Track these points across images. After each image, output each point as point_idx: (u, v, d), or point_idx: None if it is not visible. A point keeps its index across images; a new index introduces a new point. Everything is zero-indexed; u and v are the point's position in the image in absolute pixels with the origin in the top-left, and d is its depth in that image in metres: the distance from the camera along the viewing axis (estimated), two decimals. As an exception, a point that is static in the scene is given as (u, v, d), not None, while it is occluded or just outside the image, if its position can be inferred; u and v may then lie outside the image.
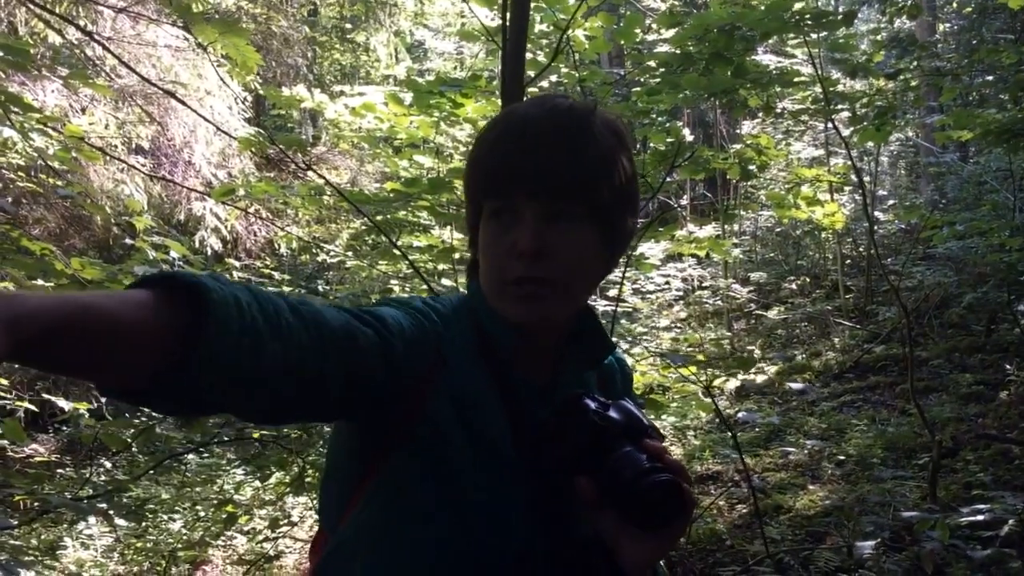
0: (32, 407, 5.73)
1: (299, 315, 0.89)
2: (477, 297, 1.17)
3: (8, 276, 2.69)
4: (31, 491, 2.89)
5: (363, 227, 6.85)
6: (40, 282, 3.03)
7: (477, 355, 1.13)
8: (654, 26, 5.52)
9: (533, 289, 1.09)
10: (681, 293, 10.63)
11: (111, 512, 3.08)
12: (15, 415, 5.99)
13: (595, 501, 1.05)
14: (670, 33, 5.69)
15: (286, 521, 5.61)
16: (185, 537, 6.20)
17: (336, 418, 1.14)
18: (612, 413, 1.08)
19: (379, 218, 4.63)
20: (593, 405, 1.08)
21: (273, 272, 5.61)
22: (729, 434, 7.16)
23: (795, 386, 7.88)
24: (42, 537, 6.40)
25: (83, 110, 7.31)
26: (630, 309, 8.44)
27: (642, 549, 1.04)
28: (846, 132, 6.60)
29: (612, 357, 1.32)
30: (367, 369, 0.98)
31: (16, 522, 2.30)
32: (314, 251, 8.01)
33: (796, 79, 5.24)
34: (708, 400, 6.30)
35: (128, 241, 8.29)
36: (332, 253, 7.49)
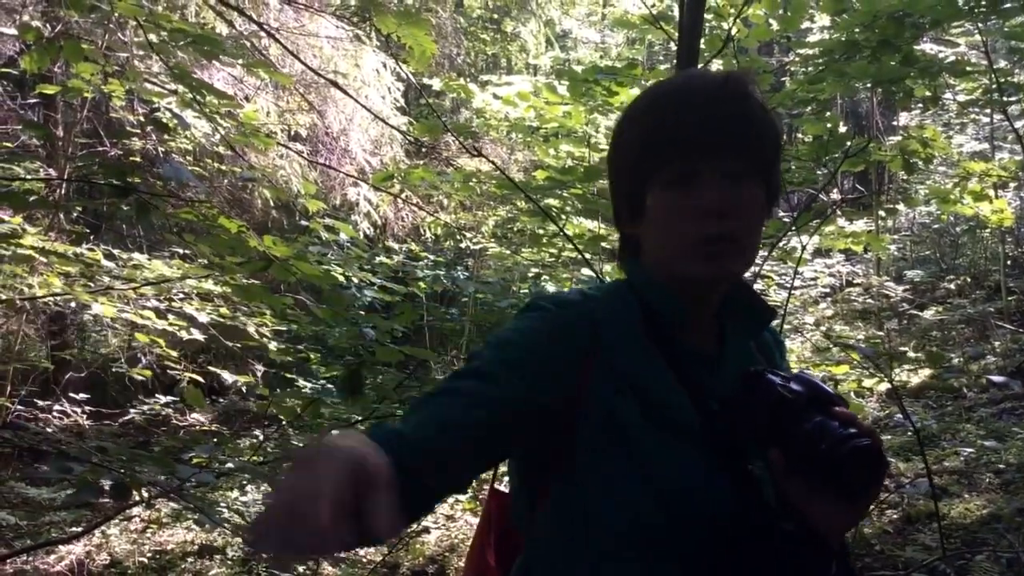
0: (198, 378, 6.11)
1: (451, 431, 1.03)
2: (638, 274, 1.19)
3: (198, 251, 2.88)
4: (212, 456, 3.08)
5: (509, 214, 6.94)
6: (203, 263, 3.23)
7: (643, 333, 1.14)
8: (811, 11, 5.36)
9: (724, 246, 1.11)
10: (828, 290, 10.28)
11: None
12: (180, 384, 6.40)
13: (787, 472, 1.06)
14: (826, 20, 5.50)
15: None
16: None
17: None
18: (795, 386, 1.08)
19: (527, 207, 4.68)
20: (777, 379, 1.08)
21: (426, 255, 5.77)
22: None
23: (996, 379, 7.51)
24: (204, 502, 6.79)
25: (247, 98, 7.69)
26: (776, 303, 8.24)
27: (837, 516, 1.06)
28: (1018, 124, 6.24)
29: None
30: (517, 425, 1.09)
31: (212, 478, 2.48)
32: (458, 237, 8.18)
33: (967, 68, 5.00)
34: (859, 400, 6.12)
35: (286, 224, 8.69)
36: (475, 240, 7.63)
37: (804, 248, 3.84)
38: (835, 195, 10.23)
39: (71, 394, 7.10)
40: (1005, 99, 5.65)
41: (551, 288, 6.52)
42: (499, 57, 12.75)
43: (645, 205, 1.15)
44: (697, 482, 1.09)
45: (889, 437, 6.91)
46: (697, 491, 1.08)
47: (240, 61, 3.81)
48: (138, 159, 7.02)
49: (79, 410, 6.89)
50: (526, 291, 6.95)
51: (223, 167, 7.39)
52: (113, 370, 7.82)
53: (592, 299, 1.16)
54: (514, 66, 12.22)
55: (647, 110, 1.17)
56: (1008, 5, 4.58)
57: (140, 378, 6.31)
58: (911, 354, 8.57)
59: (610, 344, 1.12)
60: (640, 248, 1.21)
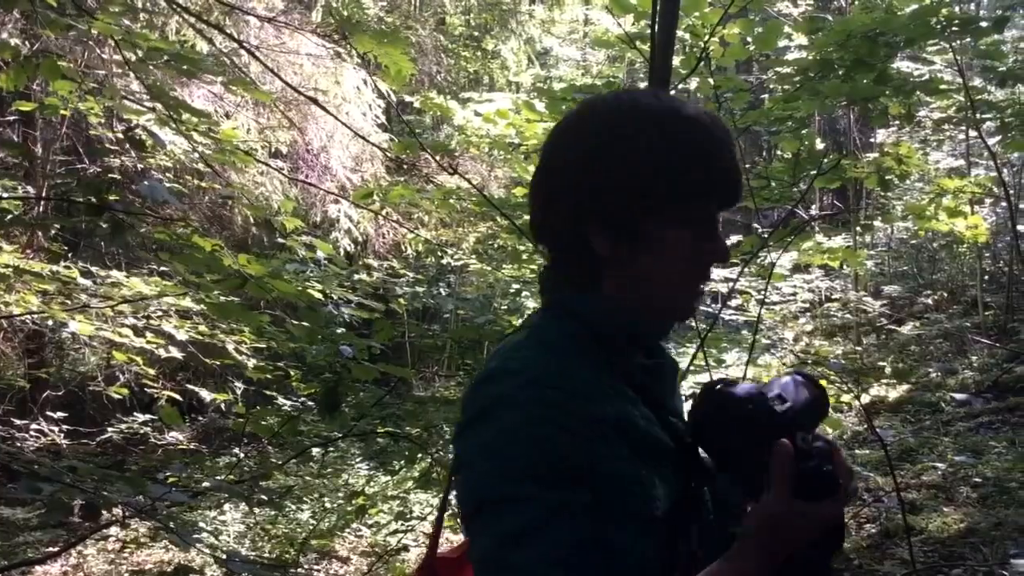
0: (176, 396, 6.07)
1: None
2: (599, 302, 1.11)
3: (173, 269, 2.87)
4: (187, 475, 3.07)
5: (490, 231, 6.96)
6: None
7: (609, 373, 1.08)
8: (787, 30, 5.41)
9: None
10: (807, 305, 10.35)
11: (262, 497, 3.24)
12: (159, 402, 6.36)
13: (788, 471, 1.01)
14: (803, 39, 5.56)
15: (412, 516, 5.74)
16: (311, 528, 6.42)
17: None
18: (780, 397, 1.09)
19: (506, 224, 4.71)
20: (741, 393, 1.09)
21: (407, 272, 5.79)
22: (856, 451, 6.97)
23: (958, 396, 7.57)
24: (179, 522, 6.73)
25: (227, 115, 7.68)
26: (753, 318, 8.29)
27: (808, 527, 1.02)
28: (992, 142, 6.33)
29: None
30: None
31: (185, 497, 2.46)
32: (439, 254, 8.17)
33: (940, 86, 5.07)
34: (838, 416, 6.15)
35: (266, 241, 8.67)
36: (456, 256, 7.63)
37: (774, 265, 3.87)
38: (813, 211, 10.32)
39: (48, 413, 7.04)
40: (979, 116, 5.73)
41: (531, 304, 6.54)
42: (480, 74, 12.79)
43: (639, 231, 1.07)
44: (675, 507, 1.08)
45: (867, 451, 6.95)
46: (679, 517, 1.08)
47: (220, 79, 3.81)
48: (117, 176, 7.01)
49: (56, 429, 6.83)
50: (507, 307, 6.97)
51: (203, 184, 7.37)
52: (91, 388, 7.76)
53: (550, 352, 1.07)
54: (496, 83, 12.26)
55: (675, 135, 1.07)
56: (983, 24, 4.66)
57: (118, 396, 6.27)
58: (888, 369, 8.64)
59: (586, 395, 1.03)
60: (604, 273, 1.12)
